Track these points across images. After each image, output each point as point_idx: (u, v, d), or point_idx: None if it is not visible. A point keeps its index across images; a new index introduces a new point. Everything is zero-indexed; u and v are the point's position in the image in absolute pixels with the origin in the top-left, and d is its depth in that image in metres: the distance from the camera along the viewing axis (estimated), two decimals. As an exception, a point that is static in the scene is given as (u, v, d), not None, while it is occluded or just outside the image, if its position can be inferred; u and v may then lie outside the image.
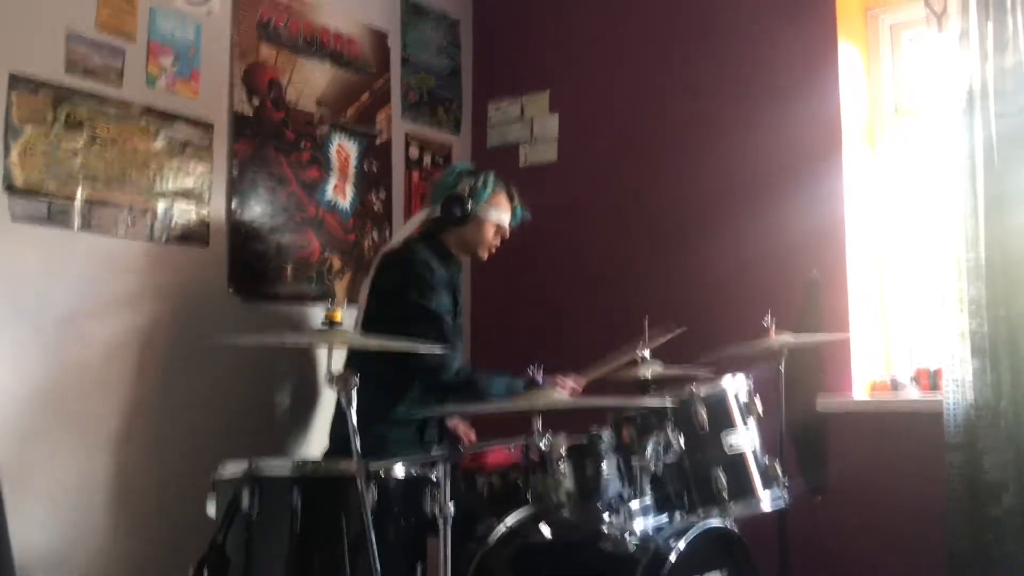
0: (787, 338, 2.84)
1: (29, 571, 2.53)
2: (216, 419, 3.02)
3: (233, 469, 2.33)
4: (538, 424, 2.28)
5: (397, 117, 3.82)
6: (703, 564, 2.35)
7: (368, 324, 2.91)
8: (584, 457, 2.58)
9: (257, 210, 3.25)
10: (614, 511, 2.38)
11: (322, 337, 2.24)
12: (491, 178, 3.06)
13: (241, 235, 3.19)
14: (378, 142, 3.73)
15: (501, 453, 2.69)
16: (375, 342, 2.38)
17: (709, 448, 2.54)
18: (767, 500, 2.55)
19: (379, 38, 3.78)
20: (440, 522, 2.10)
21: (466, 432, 3.17)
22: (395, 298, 2.91)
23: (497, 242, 3.12)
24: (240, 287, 3.17)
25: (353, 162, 3.61)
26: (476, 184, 3.02)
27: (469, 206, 2.99)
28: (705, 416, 2.54)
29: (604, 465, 2.59)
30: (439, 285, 2.94)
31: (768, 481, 2.57)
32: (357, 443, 2.06)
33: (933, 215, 3.11)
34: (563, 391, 2.92)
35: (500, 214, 3.06)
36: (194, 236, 3.06)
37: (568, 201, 3.81)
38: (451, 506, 2.10)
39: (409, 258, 2.96)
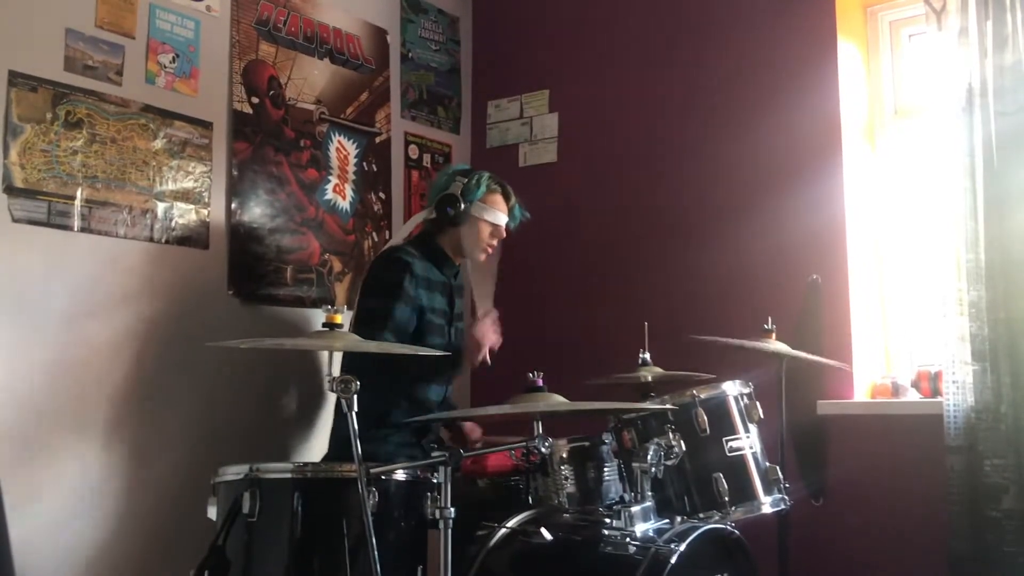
0: (786, 347, 2.84)
1: (29, 571, 2.53)
2: (215, 421, 3.01)
3: (234, 472, 2.33)
4: (539, 427, 2.27)
5: (396, 116, 3.81)
6: (704, 567, 2.34)
7: (353, 325, 2.91)
8: (585, 460, 2.59)
9: (257, 211, 3.24)
10: (615, 514, 2.38)
11: (322, 340, 2.23)
12: (484, 177, 3.05)
13: (241, 237, 3.18)
14: (378, 141, 3.72)
15: (502, 456, 2.68)
16: (374, 345, 2.36)
17: (710, 451, 2.55)
18: (768, 503, 2.56)
19: (379, 34, 3.77)
20: (440, 525, 2.09)
21: (472, 429, 3.15)
22: (362, 296, 2.96)
23: (494, 243, 3.09)
24: (240, 289, 3.16)
25: (352, 161, 3.60)
26: (469, 183, 3.01)
27: (462, 206, 2.98)
28: (706, 419, 2.54)
29: (605, 468, 2.60)
30: (420, 288, 2.92)
31: (768, 484, 2.57)
32: (358, 446, 2.05)
33: (933, 216, 3.09)
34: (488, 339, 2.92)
35: (495, 214, 3.05)
36: (194, 238, 3.05)
37: (568, 201, 3.80)
38: (451, 509, 2.09)
39: (388, 258, 2.97)
